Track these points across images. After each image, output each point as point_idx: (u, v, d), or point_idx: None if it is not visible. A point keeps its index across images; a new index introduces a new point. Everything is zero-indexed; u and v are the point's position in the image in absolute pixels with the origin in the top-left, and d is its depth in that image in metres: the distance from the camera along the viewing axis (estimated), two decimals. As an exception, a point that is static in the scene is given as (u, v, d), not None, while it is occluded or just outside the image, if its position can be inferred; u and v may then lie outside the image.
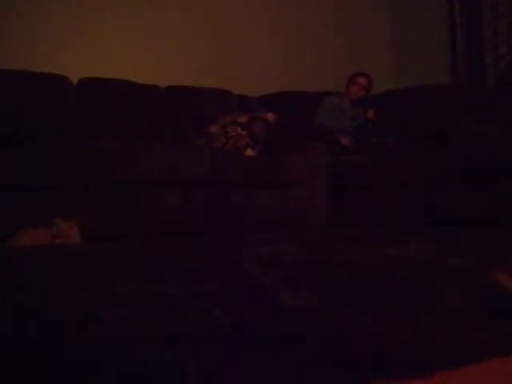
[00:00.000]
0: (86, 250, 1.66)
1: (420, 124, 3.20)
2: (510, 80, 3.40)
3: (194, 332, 0.68)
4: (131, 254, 1.51)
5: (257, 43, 3.86)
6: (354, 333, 0.68)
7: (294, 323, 0.72)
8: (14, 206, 2.10)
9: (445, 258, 1.29)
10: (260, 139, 2.77)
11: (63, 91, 2.95)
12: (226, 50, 3.74)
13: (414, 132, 3.16)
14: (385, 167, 2.81)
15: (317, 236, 2.15)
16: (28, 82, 2.81)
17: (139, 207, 2.35)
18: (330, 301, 0.86)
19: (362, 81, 3.54)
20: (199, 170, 2.49)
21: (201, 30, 3.66)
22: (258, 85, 3.70)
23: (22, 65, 2.77)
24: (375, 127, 3.39)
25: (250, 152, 2.72)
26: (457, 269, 1.15)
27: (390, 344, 0.64)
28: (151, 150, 2.49)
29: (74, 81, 3.01)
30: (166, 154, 2.49)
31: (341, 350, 0.62)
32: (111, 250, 1.62)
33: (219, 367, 0.56)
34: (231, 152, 2.70)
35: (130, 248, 1.64)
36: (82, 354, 0.60)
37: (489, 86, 3.62)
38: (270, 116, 2.89)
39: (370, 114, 3.44)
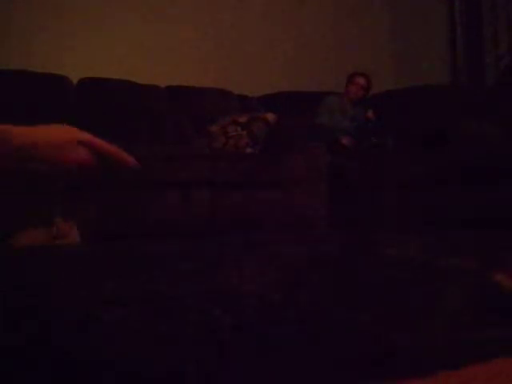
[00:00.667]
0: (85, 250, 1.66)
1: (420, 124, 3.20)
2: (510, 80, 3.40)
3: (194, 332, 0.68)
4: (131, 253, 1.51)
5: (257, 43, 3.86)
6: (354, 333, 0.68)
7: (293, 323, 0.72)
8: (14, 206, 2.10)
9: (445, 258, 1.29)
10: (260, 139, 2.77)
11: (63, 91, 2.95)
12: (226, 50, 3.74)
13: (413, 132, 3.16)
14: (385, 167, 2.81)
15: (317, 236, 2.14)
16: (28, 82, 2.81)
17: (139, 207, 2.35)
18: (330, 301, 0.86)
19: (361, 81, 3.54)
20: (199, 169, 2.49)
21: (201, 30, 3.66)
22: (258, 85, 3.70)
23: (22, 65, 2.78)
24: (375, 127, 3.39)
25: (249, 152, 2.72)
26: (457, 269, 1.14)
27: (390, 344, 0.64)
28: (151, 150, 2.49)
29: (74, 81, 3.01)
30: (166, 154, 2.49)
31: (341, 350, 0.62)
32: (111, 249, 1.62)
33: (219, 367, 0.56)
34: (231, 152, 2.70)
35: (129, 248, 1.65)
36: (82, 354, 0.60)
37: (489, 86, 3.62)
38: (270, 116, 2.89)
39: (370, 114, 3.45)
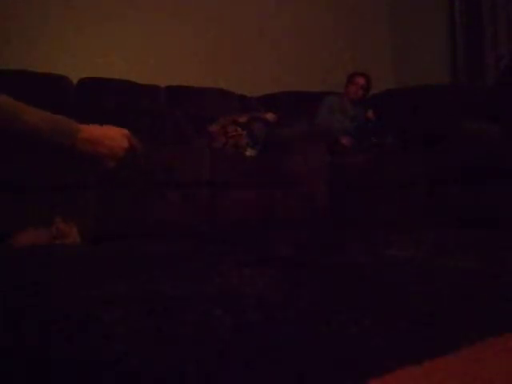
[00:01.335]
0: (85, 250, 1.66)
1: (420, 124, 3.20)
2: (510, 80, 3.40)
3: (194, 332, 0.68)
4: (131, 254, 1.51)
5: (257, 43, 3.87)
6: (354, 333, 0.68)
7: (293, 323, 0.72)
8: (14, 206, 2.10)
9: (445, 258, 1.29)
10: (260, 139, 2.77)
11: (63, 91, 2.95)
12: (226, 49, 3.74)
13: (414, 132, 3.16)
14: (385, 167, 2.81)
15: (316, 236, 2.15)
16: (28, 82, 2.81)
17: (139, 207, 2.35)
18: (330, 301, 0.86)
19: (360, 80, 3.54)
20: (199, 170, 2.49)
21: (201, 30, 3.66)
22: (258, 85, 3.70)
23: (22, 65, 2.78)
24: (375, 127, 3.39)
25: (250, 152, 2.72)
26: (456, 269, 1.15)
27: (390, 344, 0.64)
28: (151, 150, 2.48)
29: (74, 81, 3.01)
30: (166, 154, 2.48)
31: (341, 350, 0.62)
32: (111, 249, 1.62)
33: (219, 367, 0.56)
34: (231, 152, 2.70)
35: (130, 248, 1.65)
36: (82, 354, 0.60)
37: (489, 85, 3.62)
38: (270, 116, 2.90)
39: (370, 114, 3.45)
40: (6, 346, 0.63)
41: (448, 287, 0.97)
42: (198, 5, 3.67)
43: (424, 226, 2.45)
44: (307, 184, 2.70)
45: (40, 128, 1.11)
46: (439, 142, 2.72)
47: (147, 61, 3.39)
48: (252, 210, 2.57)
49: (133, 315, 0.76)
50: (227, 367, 0.56)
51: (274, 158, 2.69)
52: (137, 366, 0.56)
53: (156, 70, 3.38)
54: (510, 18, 3.64)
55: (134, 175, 2.18)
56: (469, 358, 0.60)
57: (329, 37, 4.15)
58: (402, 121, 3.36)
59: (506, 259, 1.30)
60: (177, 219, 2.41)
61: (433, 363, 0.58)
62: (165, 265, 1.28)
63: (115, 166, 1.25)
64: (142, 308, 0.81)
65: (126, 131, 1.33)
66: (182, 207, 2.43)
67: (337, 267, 1.18)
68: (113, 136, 1.28)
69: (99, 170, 1.28)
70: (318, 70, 4.00)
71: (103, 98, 3.04)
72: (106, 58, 3.28)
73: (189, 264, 1.26)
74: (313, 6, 4.11)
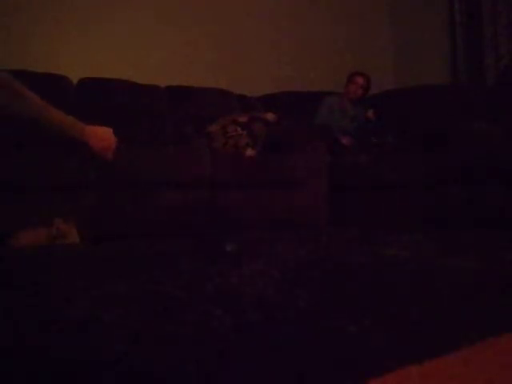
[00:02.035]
0: (85, 250, 1.66)
1: (420, 124, 3.20)
2: (510, 80, 3.40)
3: (194, 332, 0.68)
4: (131, 253, 1.51)
5: (257, 43, 3.86)
6: (354, 333, 0.68)
7: (293, 323, 0.72)
8: (14, 206, 2.10)
9: (445, 258, 1.29)
10: (260, 139, 2.76)
11: (63, 91, 2.95)
12: (226, 49, 3.74)
13: (414, 132, 3.16)
14: (385, 167, 2.81)
15: (317, 236, 2.14)
16: (28, 82, 2.81)
17: (139, 207, 2.35)
18: (330, 301, 0.86)
19: (360, 80, 3.54)
20: (199, 170, 2.49)
21: (201, 30, 3.66)
22: (258, 85, 3.70)
23: (22, 65, 2.77)
24: (375, 127, 3.39)
25: (250, 152, 2.72)
26: (456, 269, 1.15)
27: (390, 344, 0.64)
28: (151, 150, 2.48)
29: (74, 81, 3.01)
30: (166, 154, 2.48)
31: (341, 350, 0.62)
32: (111, 249, 1.62)
33: (219, 367, 0.56)
34: (231, 152, 2.70)
35: (130, 248, 1.65)
36: (82, 354, 0.60)
37: (489, 85, 3.62)
38: (270, 116, 2.89)
39: (370, 113, 3.45)
40: (6, 345, 0.63)
41: (448, 287, 0.97)
42: (199, 5, 3.67)
43: (424, 226, 2.45)
44: (307, 184, 2.70)
45: (61, 123, 1.45)
46: (439, 142, 2.72)
47: (147, 61, 3.39)
48: (252, 210, 2.57)
49: (133, 315, 0.76)
50: (227, 367, 0.56)
51: (274, 158, 2.69)
52: (137, 366, 0.56)
53: (156, 69, 3.38)
54: (510, 17, 3.64)
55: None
56: (469, 358, 0.60)
57: (329, 37, 4.15)
58: (402, 121, 3.36)
59: (506, 259, 1.30)
60: (177, 219, 2.41)
61: (433, 363, 0.58)
62: (165, 265, 1.28)
63: (112, 158, 1.61)
64: (142, 308, 0.81)
65: (111, 130, 1.65)
66: (182, 207, 2.43)
67: (337, 267, 1.18)
68: (107, 133, 1.64)
69: (101, 161, 1.62)
70: (318, 70, 4.00)
71: (103, 97, 3.03)
72: (106, 58, 3.28)
73: (189, 264, 1.26)
74: (313, 5, 4.11)
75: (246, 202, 2.57)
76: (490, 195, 2.41)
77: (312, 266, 1.20)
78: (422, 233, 2.01)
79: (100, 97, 3.03)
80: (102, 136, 1.64)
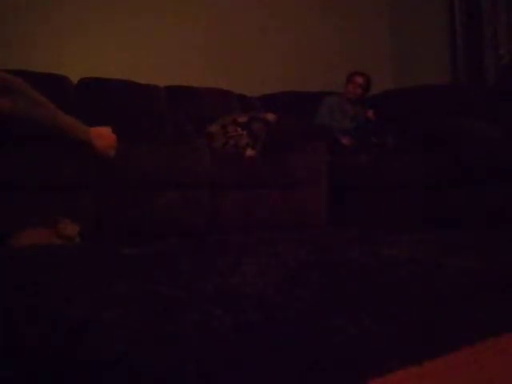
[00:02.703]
0: (85, 250, 1.66)
1: (420, 124, 3.20)
2: (510, 80, 3.40)
3: (194, 332, 0.68)
4: (131, 254, 1.51)
5: (257, 43, 3.86)
6: (354, 333, 0.68)
7: (293, 323, 0.72)
8: (14, 206, 2.10)
9: (445, 258, 1.29)
10: (260, 139, 2.76)
11: (63, 91, 2.95)
12: (226, 49, 3.74)
13: (414, 132, 3.16)
14: (385, 167, 2.81)
15: (317, 236, 2.14)
16: (28, 82, 2.81)
17: (139, 207, 2.35)
18: (330, 301, 0.86)
19: (359, 79, 3.54)
20: (199, 170, 2.49)
21: (201, 30, 3.66)
22: (258, 85, 3.70)
23: (22, 65, 2.77)
24: (375, 127, 3.39)
25: (250, 152, 2.72)
26: (456, 269, 1.15)
27: (390, 344, 0.64)
28: (151, 150, 2.48)
29: (74, 81, 3.01)
30: (166, 155, 2.48)
31: (341, 350, 0.62)
32: (111, 250, 1.62)
33: (219, 367, 0.56)
34: (231, 152, 2.70)
35: (130, 248, 1.64)
36: (82, 354, 0.60)
37: (489, 85, 3.62)
38: (270, 116, 2.89)
39: (370, 114, 3.45)
40: (6, 345, 0.63)
41: (448, 287, 0.97)
42: (198, 5, 3.67)
43: (424, 226, 2.45)
44: (307, 184, 2.70)
45: (71, 127, 1.58)
46: (439, 142, 2.72)
47: (147, 61, 3.39)
48: (252, 210, 2.57)
49: (133, 315, 0.76)
50: (227, 367, 0.56)
51: (274, 158, 2.69)
52: (137, 366, 0.56)
53: (156, 69, 3.38)
54: (510, 17, 3.64)
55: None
56: (469, 358, 0.60)
57: (329, 37, 4.14)
58: (402, 121, 3.36)
59: (506, 259, 1.30)
60: (177, 219, 2.41)
61: (433, 363, 0.58)
62: (165, 265, 1.28)
63: (114, 155, 1.76)
64: (142, 308, 0.81)
65: (110, 128, 1.80)
66: (182, 207, 2.43)
67: (337, 267, 1.18)
68: (107, 132, 1.78)
69: (104, 158, 1.76)
70: (318, 70, 4.00)
71: (103, 97, 3.03)
72: (106, 58, 3.28)
73: (189, 264, 1.26)
74: (313, 5, 4.11)
75: (246, 201, 2.57)
76: (490, 195, 2.41)
77: (312, 265, 1.20)
78: (421, 233, 2.01)
79: (100, 97, 3.03)
80: (103, 135, 1.75)
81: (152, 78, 3.23)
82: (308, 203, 2.69)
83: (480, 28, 3.75)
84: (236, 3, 3.81)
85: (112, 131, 1.80)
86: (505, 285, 0.99)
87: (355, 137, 3.34)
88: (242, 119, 2.84)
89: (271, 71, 3.85)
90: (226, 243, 1.88)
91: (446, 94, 3.43)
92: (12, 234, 1.69)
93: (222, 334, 0.67)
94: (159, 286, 0.97)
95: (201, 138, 2.92)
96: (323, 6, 4.15)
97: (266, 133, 2.79)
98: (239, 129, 2.78)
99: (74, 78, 3.00)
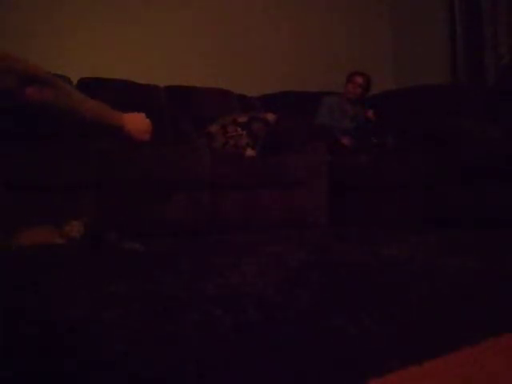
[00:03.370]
0: (85, 250, 1.66)
1: (420, 124, 3.20)
2: (510, 80, 3.40)
3: (194, 332, 0.68)
4: (131, 254, 1.51)
5: (257, 43, 3.86)
6: (354, 333, 0.68)
7: (293, 323, 0.72)
8: (14, 206, 2.09)
9: (445, 258, 1.29)
10: (260, 139, 2.76)
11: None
12: (226, 49, 3.74)
13: (414, 132, 3.16)
14: (385, 167, 2.81)
15: (317, 236, 2.15)
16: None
17: (139, 207, 2.35)
18: (330, 301, 0.86)
19: (359, 79, 3.54)
20: (199, 170, 2.49)
21: (201, 30, 3.66)
22: (258, 85, 3.70)
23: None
24: (375, 127, 3.39)
25: (250, 152, 2.72)
26: (456, 269, 1.14)
27: (390, 344, 0.64)
28: (151, 150, 2.48)
29: (74, 81, 3.01)
30: (166, 154, 2.48)
31: (341, 350, 0.62)
32: (111, 249, 1.62)
33: (219, 367, 0.56)
34: (231, 152, 2.70)
35: (130, 248, 1.64)
36: (82, 353, 0.60)
37: (489, 85, 3.62)
38: (270, 116, 2.89)
39: (370, 114, 3.45)
40: (6, 345, 0.63)
41: (448, 287, 0.97)
42: (198, 5, 3.67)
43: (424, 226, 2.45)
44: (307, 184, 2.70)
45: (101, 113, 1.60)
46: (439, 142, 2.72)
47: (147, 61, 3.39)
48: (252, 210, 2.57)
49: (133, 315, 0.76)
50: (227, 367, 0.56)
51: (274, 158, 2.69)
52: (137, 366, 0.56)
53: (156, 69, 3.38)
54: (510, 17, 3.64)
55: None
56: (469, 358, 0.60)
57: (329, 37, 4.14)
58: (402, 121, 3.36)
59: (506, 259, 1.30)
60: (177, 219, 2.41)
61: (433, 363, 0.58)
62: (165, 265, 1.28)
63: (149, 140, 1.75)
64: (142, 308, 0.81)
65: (144, 114, 1.82)
66: (182, 207, 2.43)
67: (337, 267, 1.18)
68: (142, 117, 1.81)
69: (138, 143, 1.75)
70: (318, 70, 4.00)
71: (103, 97, 3.03)
72: (106, 58, 3.28)
73: (189, 264, 1.26)
74: (313, 5, 4.11)
75: (246, 201, 2.57)
76: (490, 195, 2.40)
77: (312, 266, 1.20)
78: (421, 233, 2.01)
79: (100, 97, 3.02)
80: (138, 120, 1.78)
81: (152, 78, 3.23)
82: (308, 203, 2.69)
83: (480, 28, 3.74)
84: (236, 3, 3.81)
85: (146, 117, 1.83)
86: (505, 285, 1.00)
87: (355, 137, 3.34)
88: (242, 119, 2.84)
89: (271, 71, 3.85)
90: (226, 243, 1.89)
91: (446, 93, 3.43)
92: (13, 232, 1.69)
93: (221, 333, 0.67)
94: (159, 285, 0.97)
95: (201, 138, 2.92)
96: (323, 6, 4.14)
97: (266, 133, 2.79)
98: (239, 129, 2.78)
99: (74, 78, 3.00)
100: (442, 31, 4.03)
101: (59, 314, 0.77)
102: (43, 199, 2.15)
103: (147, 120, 1.83)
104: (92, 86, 3.04)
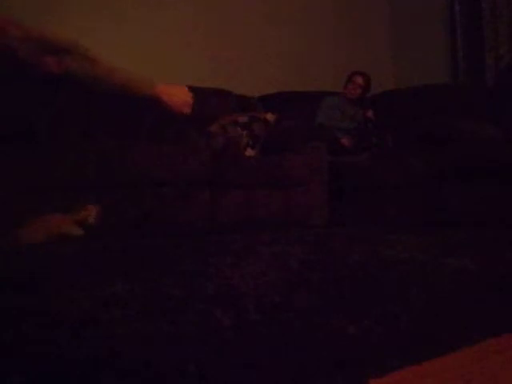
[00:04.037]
0: (86, 249, 1.66)
1: (420, 124, 3.20)
2: (510, 80, 3.40)
3: (194, 332, 0.68)
4: (131, 253, 1.51)
5: (257, 43, 3.86)
6: (354, 333, 0.68)
7: (293, 323, 0.72)
8: (14, 206, 2.09)
9: (445, 258, 1.29)
10: (260, 139, 2.77)
11: (63, 91, 2.94)
12: (226, 49, 3.74)
13: (413, 132, 3.16)
14: (385, 167, 2.81)
15: (317, 236, 2.14)
16: (28, 82, 2.80)
17: (139, 207, 2.35)
18: (330, 301, 0.86)
19: (359, 79, 3.55)
20: (199, 170, 2.49)
21: (201, 30, 3.66)
22: (258, 85, 3.70)
23: (22, 65, 2.77)
24: (375, 127, 3.39)
25: (250, 152, 2.72)
26: (456, 269, 1.14)
27: (390, 344, 0.64)
28: (151, 150, 2.48)
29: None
30: (167, 154, 2.48)
31: (340, 350, 0.62)
32: (111, 249, 1.62)
33: (219, 367, 0.56)
34: (231, 152, 2.70)
35: (130, 248, 1.64)
36: (82, 354, 0.60)
37: (489, 86, 3.62)
38: (270, 116, 2.89)
39: (370, 114, 3.45)
40: (6, 345, 0.63)
41: (448, 287, 0.97)
42: (198, 5, 3.67)
43: (424, 226, 2.45)
44: (307, 184, 2.70)
45: (131, 82, 1.51)
46: (439, 142, 2.72)
47: (147, 61, 3.39)
48: (252, 210, 2.57)
49: (133, 315, 0.76)
50: (227, 367, 0.56)
51: (274, 158, 2.69)
52: (137, 366, 0.56)
53: (156, 69, 3.38)
54: (510, 17, 3.64)
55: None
56: (469, 358, 0.60)
57: (329, 37, 4.15)
58: (402, 121, 3.36)
59: (506, 259, 1.30)
60: (177, 219, 2.41)
61: (433, 363, 0.58)
62: (165, 264, 1.28)
63: (190, 114, 1.63)
64: (142, 308, 0.81)
65: (184, 86, 1.68)
66: (182, 207, 2.43)
67: (337, 267, 1.18)
68: (181, 89, 1.66)
69: (178, 115, 1.61)
70: (318, 70, 4.00)
71: (103, 97, 3.03)
72: (106, 58, 3.28)
73: (189, 264, 1.26)
74: (313, 5, 4.11)
75: (246, 201, 2.57)
76: (490, 195, 2.40)
77: (312, 265, 1.20)
78: (421, 233, 2.01)
79: (100, 97, 3.02)
80: (175, 92, 1.64)
81: (152, 79, 3.23)
82: (308, 203, 2.69)
83: (480, 28, 3.75)
84: (236, 3, 3.81)
85: (187, 89, 1.69)
86: (505, 285, 0.99)
87: (355, 137, 3.34)
88: (242, 119, 2.84)
89: (271, 71, 3.85)
90: (226, 243, 1.88)
91: (446, 93, 3.43)
92: (22, 223, 1.64)
93: (221, 333, 0.67)
94: (159, 285, 0.97)
95: (201, 138, 2.91)
96: (323, 6, 4.15)
97: (266, 133, 2.79)
98: (239, 129, 2.78)
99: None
100: (442, 31, 4.03)
101: (59, 313, 0.77)
102: (41, 200, 2.15)
103: (188, 92, 1.70)
104: (92, 86, 3.04)
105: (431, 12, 4.09)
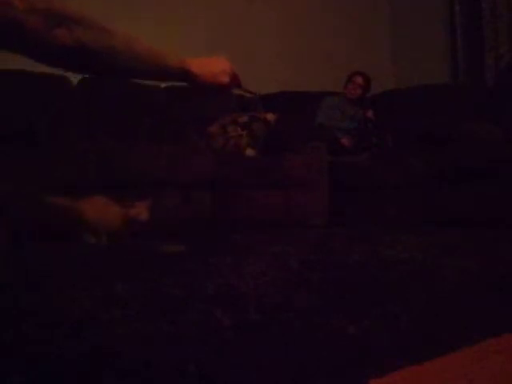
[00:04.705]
0: (86, 250, 1.66)
1: (420, 124, 3.20)
2: (510, 80, 3.40)
3: (194, 332, 0.68)
4: (131, 253, 1.51)
5: (257, 43, 3.86)
6: (354, 333, 0.68)
7: (293, 323, 0.72)
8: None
9: (445, 258, 1.29)
10: (260, 139, 2.76)
11: (63, 91, 2.95)
12: (225, 49, 3.73)
13: (413, 132, 3.16)
14: (385, 167, 2.81)
15: (317, 236, 2.14)
16: (28, 82, 2.81)
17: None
18: (330, 301, 0.86)
19: (359, 80, 3.55)
20: (199, 170, 2.49)
21: (200, 30, 3.66)
22: (258, 85, 3.69)
23: (22, 65, 2.77)
24: (375, 127, 3.39)
25: (250, 152, 2.72)
26: (456, 269, 1.14)
27: (390, 344, 0.64)
28: (152, 150, 2.48)
29: (74, 81, 3.01)
30: (167, 155, 2.48)
31: (340, 350, 0.62)
32: (111, 249, 1.62)
33: (219, 367, 0.56)
34: (231, 152, 2.70)
35: (130, 248, 1.64)
36: (82, 353, 0.60)
37: (489, 85, 3.62)
38: (270, 116, 2.89)
39: (370, 114, 3.45)
40: (6, 345, 0.63)
41: (448, 287, 0.97)
42: (198, 4, 3.67)
43: (424, 226, 2.45)
44: (307, 184, 2.70)
45: (153, 53, 1.37)
46: (439, 142, 2.72)
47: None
48: (252, 210, 2.57)
49: (133, 315, 0.76)
50: (227, 367, 0.56)
51: (274, 158, 2.69)
52: (137, 366, 0.56)
53: (156, 70, 3.38)
54: (510, 17, 3.64)
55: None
56: (469, 358, 0.60)
57: (329, 37, 4.14)
58: (402, 121, 3.36)
59: (506, 259, 1.30)
60: (178, 219, 2.41)
61: (433, 363, 0.58)
62: (165, 264, 1.28)
63: (229, 84, 1.47)
64: (142, 308, 0.81)
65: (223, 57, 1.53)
66: (183, 207, 2.43)
67: (337, 267, 1.18)
68: (216, 59, 1.48)
69: (215, 86, 1.44)
70: (318, 70, 4.00)
71: (103, 97, 3.03)
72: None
73: (189, 264, 1.26)
74: (313, 5, 4.11)
75: (246, 201, 2.57)
76: (490, 195, 2.40)
77: (312, 266, 1.20)
78: (421, 233, 2.01)
79: (100, 97, 3.03)
80: (209, 62, 1.45)
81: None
82: (308, 203, 2.69)
83: (480, 28, 3.74)
84: (236, 3, 3.81)
85: (225, 60, 1.54)
86: (505, 285, 0.99)
87: (355, 137, 3.34)
88: (242, 119, 2.84)
89: (271, 71, 3.85)
90: (226, 243, 1.88)
91: (446, 93, 3.43)
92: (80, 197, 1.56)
93: (221, 333, 0.67)
94: (159, 285, 0.97)
95: (201, 138, 2.92)
96: (323, 6, 4.14)
97: (266, 133, 2.79)
98: (239, 129, 2.78)
99: (74, 78, 3.00)
100: (442, 31, 4.03)
101: (59, 313, 0.78)
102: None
103: (226, 61, 1.51)
104: (92, 86, 3.04)
105: (431, 12, 4.09)
